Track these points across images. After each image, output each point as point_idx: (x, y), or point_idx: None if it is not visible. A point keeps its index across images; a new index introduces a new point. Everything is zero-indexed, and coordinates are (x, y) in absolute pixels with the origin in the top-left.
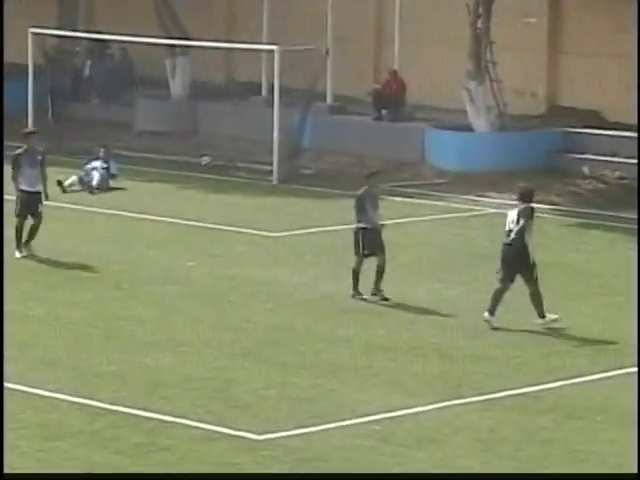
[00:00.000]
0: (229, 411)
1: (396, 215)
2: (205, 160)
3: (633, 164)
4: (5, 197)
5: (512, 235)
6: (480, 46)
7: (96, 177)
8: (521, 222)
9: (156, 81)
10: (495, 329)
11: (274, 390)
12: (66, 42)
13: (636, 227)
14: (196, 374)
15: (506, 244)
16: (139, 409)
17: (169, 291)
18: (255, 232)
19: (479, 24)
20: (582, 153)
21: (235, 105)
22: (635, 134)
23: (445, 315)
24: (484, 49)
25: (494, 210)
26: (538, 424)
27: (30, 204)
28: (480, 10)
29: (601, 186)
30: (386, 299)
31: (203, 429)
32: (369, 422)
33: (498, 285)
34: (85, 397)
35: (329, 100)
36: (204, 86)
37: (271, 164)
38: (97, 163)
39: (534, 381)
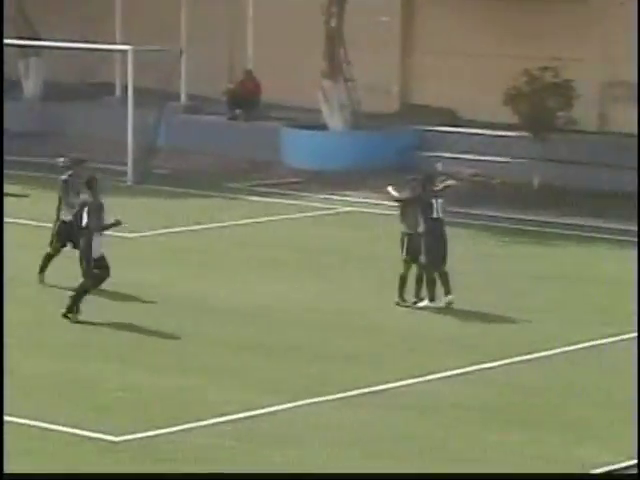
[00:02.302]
0: (88, 413)
1: (252, 215)
2: (62, 161)
3: (486, 161)
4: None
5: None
6: (334, 45)
7: None
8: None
9: (9, 82)
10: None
11: (133, 391)
12: None
13: (488, 223)
14: (55, 376)
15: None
16: None
17: (32, 293)
18: (111, 233)
19: (332, 23)
20: (436, 151)
21: (89, 106)
22: (488, 132)
23: (305, 313)
24: (338, 48)
25: (349, 208)
26: (398, 420)
27: (70, 234)
28: (333, 9)
29: (454, 183)
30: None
31: (62, 432)
32: (227, 421)
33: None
34: None
35: (183, 100)
36: (58, 87)
37: (126, 164)
38: None
39: (396, 378)
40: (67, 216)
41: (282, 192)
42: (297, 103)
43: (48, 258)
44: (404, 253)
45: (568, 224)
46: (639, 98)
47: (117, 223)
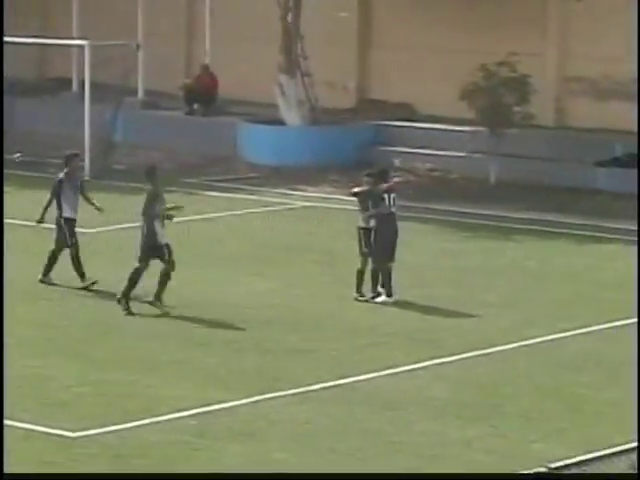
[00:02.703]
0: (45, 409)
1: (210, 210)
2: (17, 157)
3: (443, 156)
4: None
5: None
6: (291, 40)
7: None
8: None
9: None
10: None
11: (90, 387)
12: None
13: (446, 218)
14: (12, 372)
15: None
16: None
17: None
18: None
19: (289, 18)
20: (394, 146)
21: (46, 101)
22: (445, 126)
23: (261, 309)
24: (295, 43)
25: (307, 203)
26: (354, 416)
27: (73, 232)
28: (290, 4)
29: (412, 178)
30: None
31: (19, 428)
32: (185, 417)
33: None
34: None
35: (141, 95)
36: (15, 82)
37: (83, 160)
38: None
39: (350, 373)
40: (71, 214)
41: (240, 187)
42: (255, 98)
43: (77, 260)
44: (361, 247)
45: (526, 219)
46: (639, 99)
47: (171, 216)
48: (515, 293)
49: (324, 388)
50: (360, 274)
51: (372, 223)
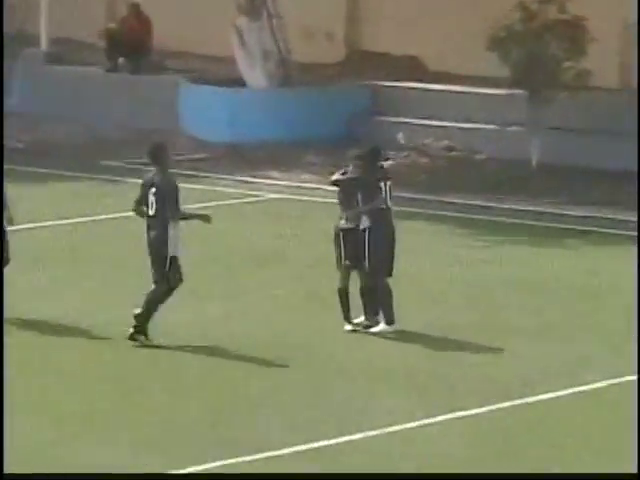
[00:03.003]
0: None
1: None
2: None
3: (465, 129)
4: None
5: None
6: None
7: None
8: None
9: None
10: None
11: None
12: None
13: (467, 215)
14: None
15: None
16: None
17: None
18: None
19: None
20: (395, 115)
21: None
22: (467, 89)
23: (214, 342)
24: None
25: (276, 195)
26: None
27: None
28: None
29: (423, 160)
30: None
31: None
32: None
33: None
34: None
35: (45, 45)
36: None
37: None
38: None
39: (332, 431)
40: None
41: (183, 173)
42: (203, 50)
43: None
44: (342, 257)
45: (577, 216)
46: (639, 79)
47: (206, 218)
48: (559, 319)
49: (297, 452)
50: (343, 294)
51: (364, 223)
